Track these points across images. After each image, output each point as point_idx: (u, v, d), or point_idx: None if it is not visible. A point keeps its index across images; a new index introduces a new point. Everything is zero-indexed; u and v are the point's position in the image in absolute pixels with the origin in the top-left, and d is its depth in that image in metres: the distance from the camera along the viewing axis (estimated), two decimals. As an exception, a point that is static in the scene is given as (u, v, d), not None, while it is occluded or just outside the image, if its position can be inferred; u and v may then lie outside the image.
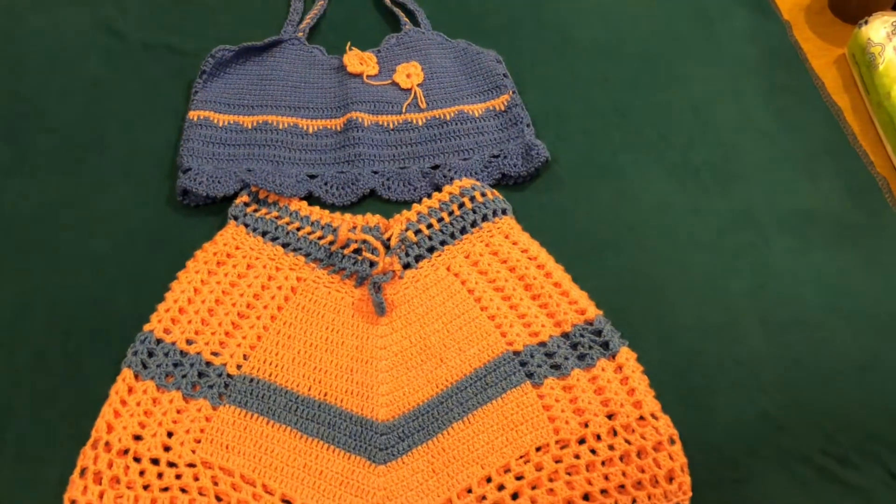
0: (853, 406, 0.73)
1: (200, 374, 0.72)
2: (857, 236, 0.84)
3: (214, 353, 0.73)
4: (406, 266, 0.79)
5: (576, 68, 0.97)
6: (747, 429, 0.72)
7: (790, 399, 0.74)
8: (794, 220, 0.84)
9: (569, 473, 0.68)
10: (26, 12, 0.99)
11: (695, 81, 0.95)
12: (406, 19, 0.99)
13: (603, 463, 0.68)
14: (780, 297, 0.79)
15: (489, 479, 0.68)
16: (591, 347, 0.73)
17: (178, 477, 0.67)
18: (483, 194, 0.83)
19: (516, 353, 0.74)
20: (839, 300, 0.79)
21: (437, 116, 0.90)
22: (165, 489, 0.66)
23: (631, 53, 0.98)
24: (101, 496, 0.65)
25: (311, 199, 0.85)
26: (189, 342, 0.73)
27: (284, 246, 0.80)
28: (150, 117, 0.91)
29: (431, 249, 0.80)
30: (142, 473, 0.67)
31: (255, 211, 0.82)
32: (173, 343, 0.73)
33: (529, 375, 0.72)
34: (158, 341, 0.73)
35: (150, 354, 0.72)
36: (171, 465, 0.67)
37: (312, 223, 0.81)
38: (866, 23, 0.94)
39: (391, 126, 0.89)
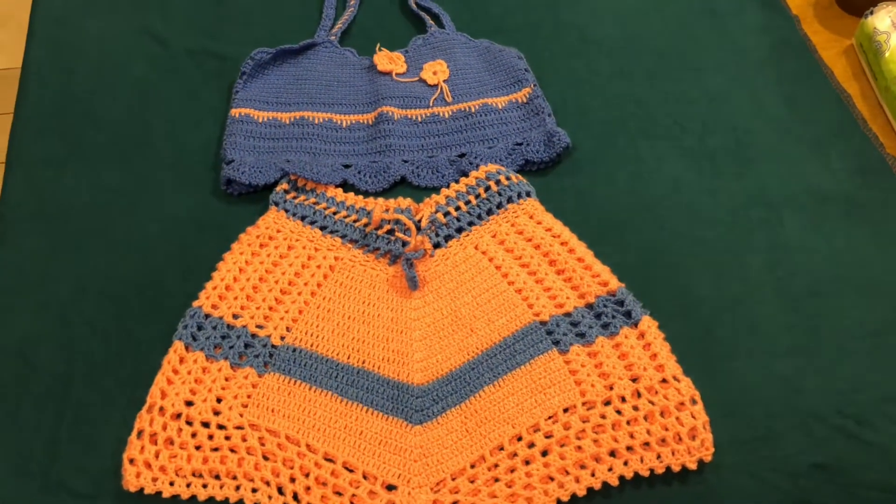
0: (867, 369, 0.76)
1: (246, 345, 0.77)
2: (868, 213, 0.87)
3: (259, 326, 0.78)
4: (436, 245, 0.84)
5: (593, 64, 1.01)
6: (766, 392, 0.75)
7: (806, 364, 0.77)
8: (806, 199, 0.88)
9: (595, 432, 0.71)
10: (79, 22, 1.06)
11: (708, 73, 1.00)
12: (431, 22, 1.05)
13: (628, 422, 0.72)
14: (795, 269, 0.83)
15: (520, 438, 0.72)
16: (614, 317, 0.77)
17: (227, 438, 0.71)
18: (508, 178, 0.87)
19: (543, 323, 0.78)
20: (851, 272, 0.83)
21: (463, 109, 0.95)
22: (216, 449, 0.71)
23: (645, 49, 1.03)
24: (156, 455, 0.70)
25: (345, 186, 0.90)
26: (235, 316, 0.78)
27: (322, 229, 0.85)
28: (192, 116, 0.97)
29: (460, 230, 0.85)
30: (194, 435, 0.71)
31: (295, 198, 0.87)
32: (221, 317, 0.78)
33: (556, 343, 0.76)
34: (207, 316, 0.78)
35: (200, 328, 0.77)
36: (221, 427, 0.72)
37: (348, 207, 0.86)
38: (872, 13, 0.99)
39: (419, 119, 0.94)
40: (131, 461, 0.70)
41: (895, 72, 0.93)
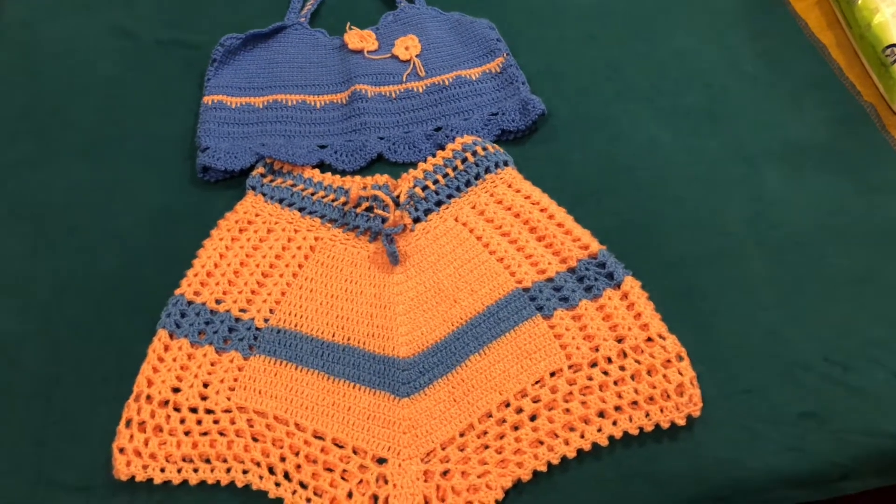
0: (851, 316, 0.76)
1: (230, 330, 0.77)
2: (846, 161, 0.87)
3: (242, 310, 0.78)
4: (416, 220, 0.84)
5: (565, 30, 1.01)
6: (751, 345, 0.75)
7: (791, 314, 0.77)
8: (784, 151, 0.88)
9: (583, 394, 0.71)
10: (41, 23, 1.05)
11: (679, 33, 0.99)
12: (401, -3, 1.04)
13: (615, 382, 0.72)
14: (775, 221, 0.83)
15: (507, 404, 0.72)
16: (596, 279, 0.77)
17: (215, 422, 0.71)
18: (484, 149, 0.87)
19: (526, 290, 0.77)
20: (832, 220, 0.83)
21: (437, 83, 0.94)
22: (205, 433, 0.71)
23: (616, 13, 1.02)
24: (146, 443, 0.70)
25: (322, 166, 0.89)
26: (218, 301, 0.78)
27: (301, 210, 0.85)
28: (165, 108, 0.96)
29: (439, 203, 0.85)
30: (182, 421, 0.71)
31: (271, 181, 0.87)
32: (203, 304, 0.78)
33: (539, 308, 0.76)
34: (190, 303, 0.78)
35: (183, 315, 0.77)
36: (209, 411, 0.72)
37: (325, 188, 0.86)
38: (842, -39, 0.98)
39: (393, 95, 0.94)
40: (121, 450, 0.70)
41: (868, 19, 0.93)
